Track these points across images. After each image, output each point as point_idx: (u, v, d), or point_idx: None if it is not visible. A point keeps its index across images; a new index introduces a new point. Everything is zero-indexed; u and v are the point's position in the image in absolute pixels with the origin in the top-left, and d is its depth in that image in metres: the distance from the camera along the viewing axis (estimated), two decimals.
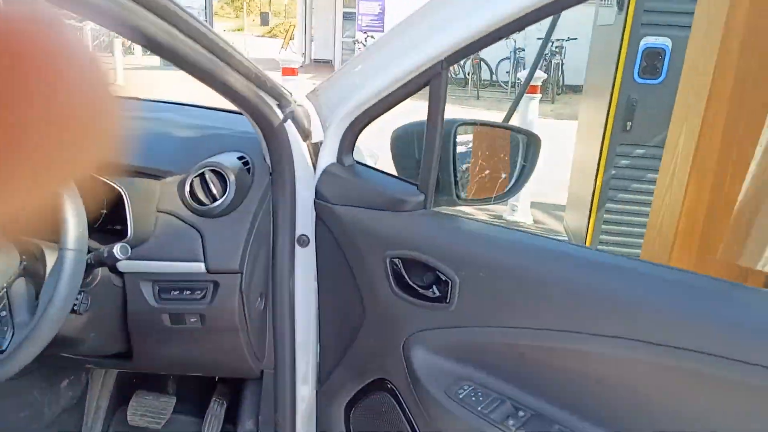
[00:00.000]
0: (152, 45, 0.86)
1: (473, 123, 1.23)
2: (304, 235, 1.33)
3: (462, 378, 1.10)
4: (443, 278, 1.08)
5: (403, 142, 1.25)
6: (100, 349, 1.30)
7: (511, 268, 1.03)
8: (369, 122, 1.19)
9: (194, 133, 1.39)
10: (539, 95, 4.53)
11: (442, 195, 1.17)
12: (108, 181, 1.21)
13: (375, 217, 1.17)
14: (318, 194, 1.24)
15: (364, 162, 1.29)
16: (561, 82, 12.29)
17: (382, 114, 1.16)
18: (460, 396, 1.06)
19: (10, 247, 1.04)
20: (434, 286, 1.11)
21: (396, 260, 1.14)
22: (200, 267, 1.23)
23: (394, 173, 1.27)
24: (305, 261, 1.35)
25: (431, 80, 1.06)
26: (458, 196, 1.19)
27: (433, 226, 1.13)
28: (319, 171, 1.24)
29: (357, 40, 13.91)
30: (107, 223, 1.28)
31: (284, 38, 19.61)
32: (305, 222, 1.32)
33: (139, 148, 1.31)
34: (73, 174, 0.26)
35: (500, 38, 1.00)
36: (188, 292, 1.24)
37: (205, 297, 1.24)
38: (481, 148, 1.26)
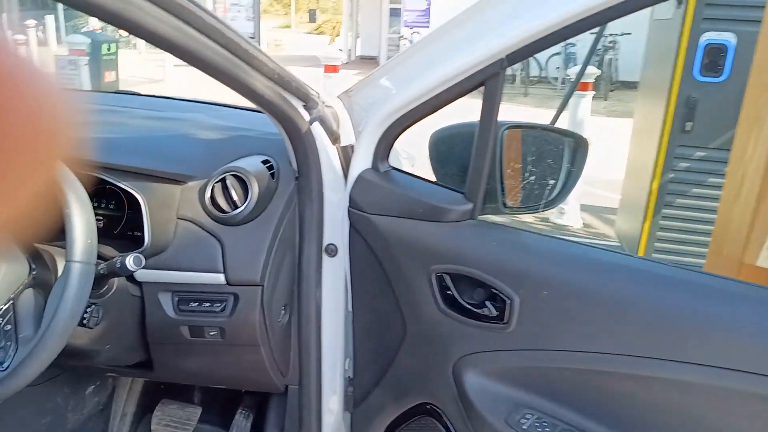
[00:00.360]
0: (163, 43, 0.77)
1: (522, 126, 1.12)
2: (332, 244, 1.24)
3: (522, 405, 1.01)
4: (500, 296, 0.99)
5: (444, 145, 1.16)
6: (118, 359, 1.24)
7: (579, 286, 0.94)
8: (408, 126, 1.09)
9: (218, 134, 1.32)
10: (591, 92, 4.33)
11: (487, 203, 1.08)
12: (125, 187, 1.14)
13: (417, 228, 1.07)
14: (352, 202, 1.15)
15: (399, 166, 1.19)
16: (614, 79, 11.92)
17: (424, 117, 1.06)
18: (524, 426, 0.98)
19: (19, 255, 0.98)
20: (488, 304, 1.02)
21: (444, 275, 1.05)
22: (220, 278, 1.15)
23: (432, 179, 1.17)
24: (333, 272, 1.26)
25: (487, 80, 0.97)
26: (504, 205, 1.09)
27: (484, 238, 1.04)
28: (353, 177, 1.15)
29: (402, 36, 13.77)
30: (127, 228, 1.21)
31: (331, 35, 19.68)
32: (333, 230, 1.24)
33: (160, 151, 1.24)
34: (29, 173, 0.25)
35: (569, 37, 0.91)
36: (207, 304, 1.17)
37: (225, 310, 1.17)
38: (529, 152, 1.14)
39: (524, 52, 0.93)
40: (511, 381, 1.03)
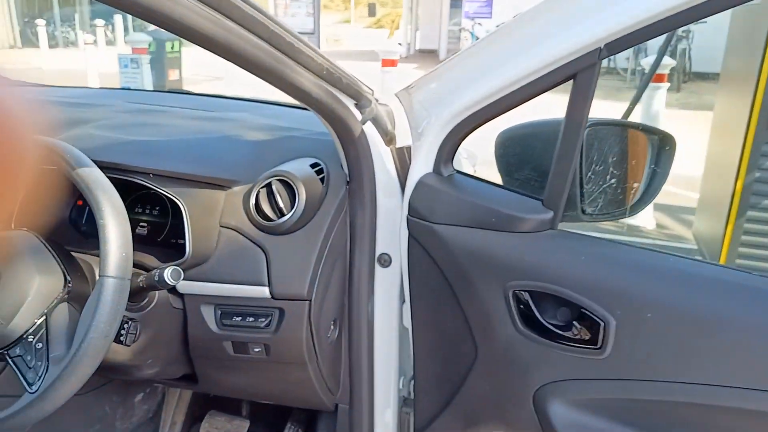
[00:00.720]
0: (198, 38, 0.68)
1: (605, 123, 0.99)
2: (386, 254, 1.14)
3: None
4: (591, 318, 0.87)
5: (515, 146, 1.04)
6: (161, 373, 1.18)
7: (689, 308, 0.84)
8: (478, 126, 0.97)
9: (265, 135, 1.23)
10: (666, 84, 4.05)
11: (565, 211, 0.96)
12: (167, 194, 1.07)
13: (489, 240, 0.96)
14: (411, 210, 1.04)
15: (459, 167, 1.07)
16: (688, 69, 11.32)
17: (498, 116, 0.94)
18: None
19: (54, 266, 0.92)
20: (576, 326, 0.90)
21: (523, 293, 0.93)
22: (264, 291, 1.07)
23: (497, 182, 1.05)
24: (387, 283, 1.16)
25: (578, 73, 0.84)
26: (583, 211, 0.97)
27: (569, 251, 0.92)
28: (412, 182, 1.04)
29: (463, 28, 13.51)
30: (171, 236, 1.15)
31: (390, 28, 19.61)
32: (387, 239, 1.13)
33: (204, 155, 1.17)
34: None
35: (681, 25, 0.79)
36: (251, 319, 1.09)
37: (270, 325, 1.08)
38: (612, 152, 1.01)
39: (626, 41, 0.80)
40: (604, 413, 0.92)
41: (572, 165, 0.90)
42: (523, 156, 1.03)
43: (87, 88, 1.93)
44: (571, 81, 0.87)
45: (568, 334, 0.91)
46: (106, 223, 0.85)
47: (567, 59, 0.84)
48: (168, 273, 0.92)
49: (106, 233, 0.85)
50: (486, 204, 0.97)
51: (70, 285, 0.91)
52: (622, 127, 1.06)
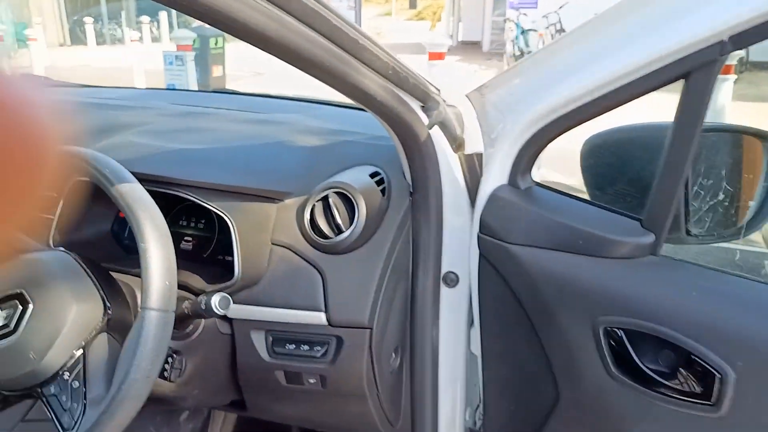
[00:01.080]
0: (255, 37, 0.58)
1: (718, 129, 0.84)
2: (452, 272, 1.02)
3: None
4: (704, 366, 0.73)
5: (606, 153, 0.90)
6: (208, 402, 1.09)
7: None
8: (562, 133, 0.84)
9: (317, 140, 1.12)
10: (733, 76, 3.80)
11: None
12: (214, 208, 0.97)
13: (576, 265, 0.82)
14: (484, 226, 0.91)
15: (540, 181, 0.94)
16: (744, 59, 10.81)
17: (589, 120, 0.80)
18: None
19: (92, 291, 0.83)
20: (683, 374, 0.76)
21: (616, 330, 0.79)
22: (320, 318, 0.96)
23: (584, 197, 0.91)
24: (453, 305, 1.04)
25: (692, 72, 0.70)
26: (689, 233, 0.82)
27: (676, 284, 0.78)
28: (484, 195, 0.91)
29: (508, 19, 13.18)
30: (218, 252, 1.05)
31: (432, 20, 19.38)
32: (454, 255, 1.02)
33: (253, 164, 1.07)
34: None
35: None
36: (306, 348, 0.98)
37: (326, 355, 0.98)
38: (723, 162, 0.86)
39: (756, 34, 0.65)
40: None
41: (681, 178, 0.76)
42: (616, 166, 0.89)
43: (130, 88, 1.86)
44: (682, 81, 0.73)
45: (672, 383, 0.76)
46: (148, 247, 0.75)
47: (678, 55, 0.70)
48: (216, 301, 0.82)
49: (148, 259, 0.75)
50: (572, 223, 0.83)
51: (110, 312, 0.82)
52: (737, 133, 0.91)
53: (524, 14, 12.68)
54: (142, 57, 8.96)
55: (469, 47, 16.30)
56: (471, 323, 1.07)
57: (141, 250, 0.75)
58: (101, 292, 0.82)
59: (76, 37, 16.62)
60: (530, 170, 0.90)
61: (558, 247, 0.83)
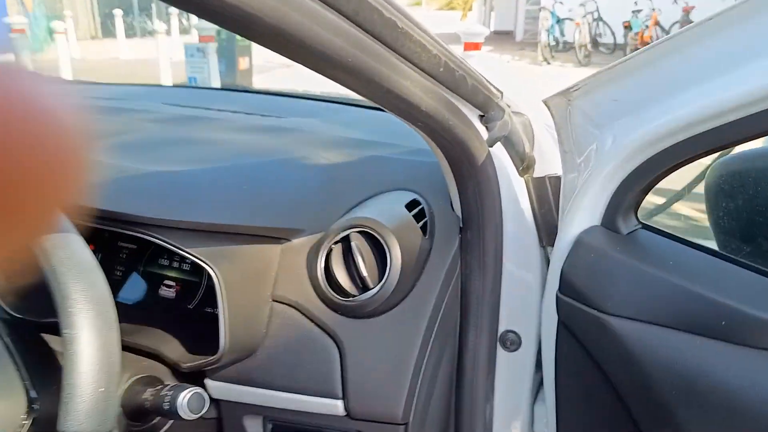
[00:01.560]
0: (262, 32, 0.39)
1: None
2: (512, 331, 0.78)
3: None
4: None
5: (748, 185, 0.63)
6: None
7: None
8: (690, 161, 0.57)
9: (340, 155, 0.87)
10: None
11: None
12: (192, 256, 0.73)
13: (710, 354, 0.57)
14: (566, 285, 0.66)
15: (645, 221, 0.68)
16: None
17: (733, 146, 0.54)
18: None
19: (12, 379, 0.60)
20: None
21: None
22: (336, 407, 0.72)
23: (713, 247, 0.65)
24: (513, 374, 0.80)
25: None
26: None
27: None
28: (567, 239, 0.65)
29: (543, 7, 12.72)
30: (206, 303, 0.82)
31: (463, 10, 19.02)
32: (516, 310, 0.77)
33: (250, 192, 0.82)
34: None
35: None
36: None
37: None
38: None
39: None
40: None
41: None
42: (756, 203, 0.63)
43: (127, 85, 1.64)
44: None
45: None
46: (76, 336, 0.51)
47: None
48: (185, 400, 0.59)
49: (74, 357, 0.51)
50: (707, 293, 0.57)
51: (35, 406, 0.59)
52: None
53: (560, 2, 12.23)
54: (169, 50, 8.83)
55: (502, 37, 15.87)
56: (535, 398, 0.82)
57: (66, 339, 0.51)
58: (24, 379, 0.59)
59: (108, 29, 16.67)
60: (636, 209, 0.64)
61: (685, 327, 0.57)
